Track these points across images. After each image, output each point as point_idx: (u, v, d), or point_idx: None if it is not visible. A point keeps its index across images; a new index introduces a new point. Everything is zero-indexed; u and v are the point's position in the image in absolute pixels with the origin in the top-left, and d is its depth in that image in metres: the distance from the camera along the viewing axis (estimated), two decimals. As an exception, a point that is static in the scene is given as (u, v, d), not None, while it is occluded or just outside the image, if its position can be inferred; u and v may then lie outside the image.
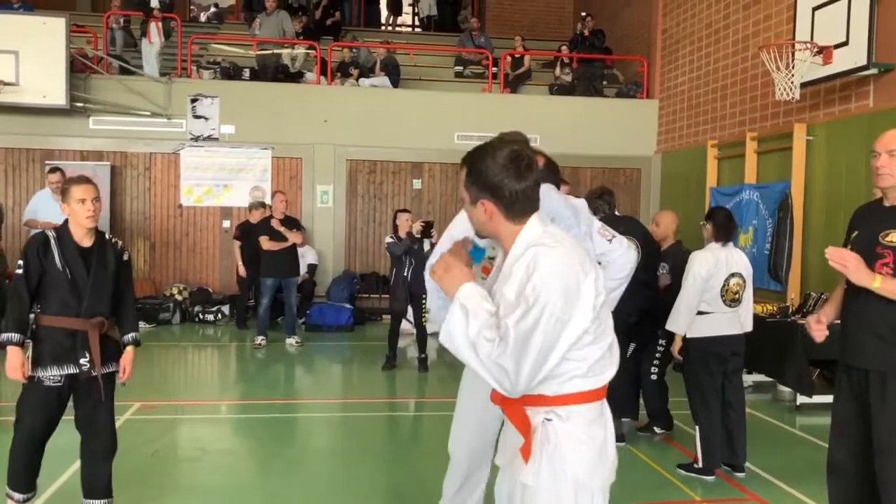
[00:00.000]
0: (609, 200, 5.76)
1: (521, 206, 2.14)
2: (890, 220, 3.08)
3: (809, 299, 7.35)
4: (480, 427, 3.39)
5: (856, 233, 3.25)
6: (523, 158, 2.15)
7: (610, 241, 3.50)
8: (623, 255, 3.52)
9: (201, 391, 7.63)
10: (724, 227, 4.98)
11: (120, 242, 4.01)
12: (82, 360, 3.74)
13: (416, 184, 12.24)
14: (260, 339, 9.21)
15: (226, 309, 11.24)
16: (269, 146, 11.78)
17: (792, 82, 7.95)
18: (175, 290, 11.38)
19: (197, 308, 11.22)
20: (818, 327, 3.30)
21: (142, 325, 10.60)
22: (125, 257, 3.98)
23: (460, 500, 3.55)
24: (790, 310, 7.32)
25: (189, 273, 11.76)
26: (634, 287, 5.30)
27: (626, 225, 5.50)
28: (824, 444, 5.68)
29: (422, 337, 8.26)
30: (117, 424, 5.70)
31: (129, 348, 3.96)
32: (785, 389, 7.17)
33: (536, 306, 1.97)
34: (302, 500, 4.37)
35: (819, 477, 4.88)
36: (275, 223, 9.12)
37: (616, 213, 5.87)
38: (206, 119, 11.63)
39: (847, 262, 3.01)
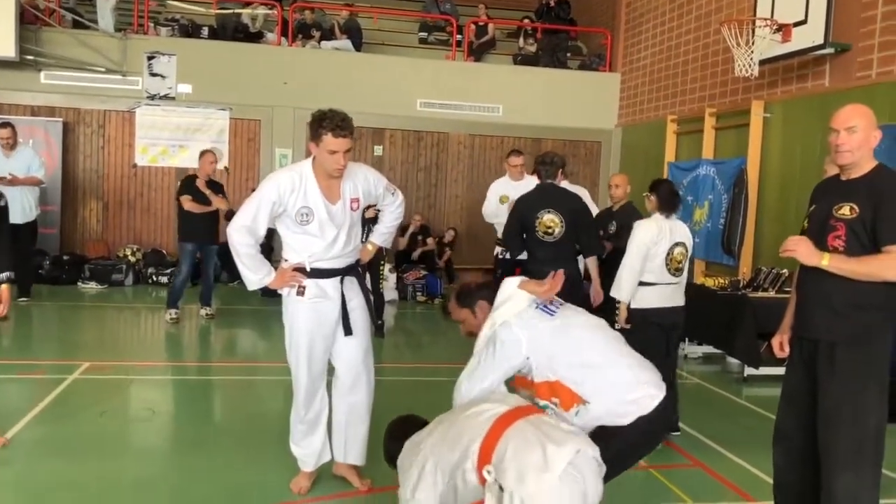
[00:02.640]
0: (548, 170, 5.70)
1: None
2: (843, 194, 3.13)
3: (760, 273, 7.50)
4: (313, 358, 3.90)
5: (813, 207, 3.31)
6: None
7: (393, 193, 4.09)
8: (394, 211, 4.15)
9: (153, 353, 7.55)
10: (668, 199, 5.08)
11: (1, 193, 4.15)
12: None
13: (378, 150, 12.15)
14: (173, 313, 8.41)
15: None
16: (226, 107, 11.57)
17: (751, 59, 8.02)
18: (128, 252, 11.19)
19: (150, 270, 11.05)
20: (781, 353, 3.47)
21: (94, 285, 10.50)
22: (2, 203, 4.13)
23: (314, 413, 3.98)
24: (741, 283, 7.46)
25: (143, 234, 11.56)
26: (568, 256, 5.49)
27: (556, 199, 5.58)
28: (769, 414, 5.87)
29: (379, 304, 8.26)
30: (64, 385, 5.69)
31: (4, 286, 4.12)
32: (733, 361, 7.33)
33: None
34: (252, 461, 4.37)
35: (762, 445, 5.02)
36: (200, 184, 8.40)
37: (553, 182, 5.73)
38: (162, 77, 11.36)
39: (796, 247, 3.10)
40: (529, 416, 2.58)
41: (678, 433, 5.14)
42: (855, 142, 3.08)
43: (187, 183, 8.48)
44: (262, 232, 3.73)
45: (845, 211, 3.08)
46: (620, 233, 5.96)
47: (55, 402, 5.32)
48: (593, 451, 2.52)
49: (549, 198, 5.64)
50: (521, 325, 2.99)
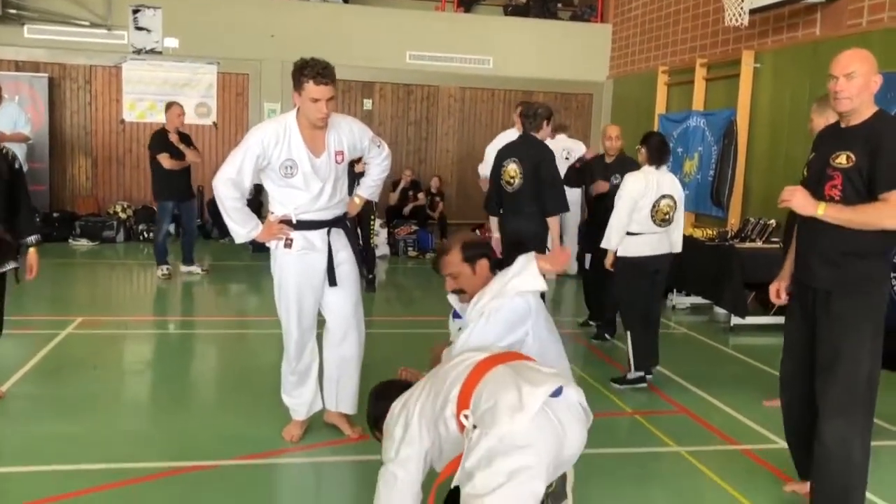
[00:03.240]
0: (531, 122, 5.52)
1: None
2: (842, 142, 3.11)
3: (748, 224, 7.55)
4: (302, 310, 3.93)
5: (812, 155, 3.31)
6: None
7: (378, 145, 4.09)
8: (380, 163, 4.14)
9: (145, 308, 7.59)
10: (658, 151, 5.22)
11: (11, 151, 4.12)
12: None
13: (367, 104, 12.06)
14: (165, 269, 8.41)
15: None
16: (214, 61, 11.44)
17: (742, 8, 7.96)
18: (119, 208, 11.16)
19: (141, 226, 11.04)
20: (777, 300, 3.51)
21: (85, 242, 10.49)
22: (17, 165, 4.09)
23: (304, 365, 4.04)
24: (729, 234, 7.51)
25: (133, 191, 11.51)
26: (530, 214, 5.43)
27: (522, 149, 5.49)
28: (755, 362, 5.99)
29: (370, 259, 8.30)
30: (57, 339, 5.74)
31: (32, 250, 4.15)
32: (721, 311, 7.42)
33: None
34: (244, 412, 4.44)
35: (747, 391, 5.15)
36: (174, 139, 8.27)
37: (535, 134, 5.54)
38: (148, 31, 11.20)
39: (792, 197, 3.09)
40: (510, 362, 2.57)
41: (651, 376, 5.29)
42: (854, 88, 3.03)
43: (161, 139, 8.29)
44: (248, 184, 3.74)
45: (842, 160, 3.06)
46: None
47: (48, 357, 5.37)
48: (578, 395, 2.51)
49: (517, 148, 5.56)
50: (533, 299, 3.01)
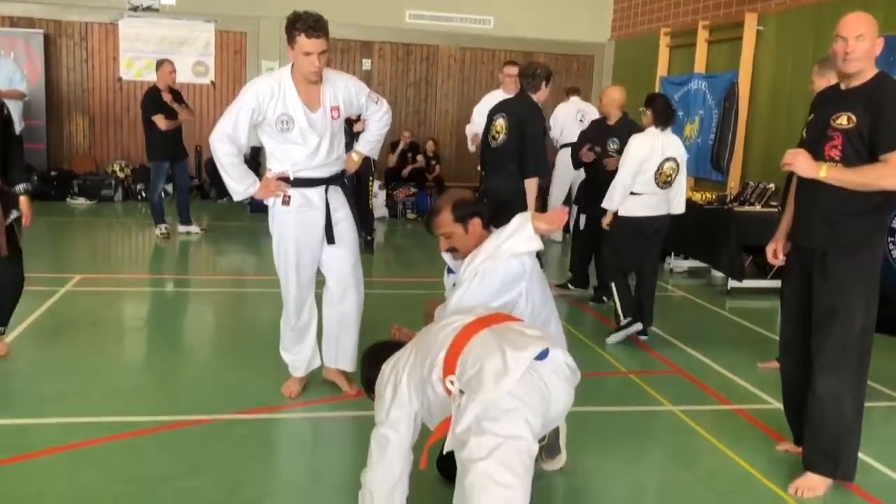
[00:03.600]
0: (530, 82, 5.39)
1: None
2: (842, 103, 3.12)
3: (747, 188, 7.54)
4: (300, 266, 3.95)
5: (812, 116, 3.31)
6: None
7: (376, 101, 4.03)
8: (379, 120, 4.09)
9: (144, 266, 7.61)
10: (663, 114, 5.23)
11: (1, 101, 4.06)
12: None
13: (366, 64, 11.96)
14: (163, 228, 8.39)
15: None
16: (211, 19, 11.31)
17: (746, -31, 7.86)
18: (117, 167, 11.12)
19: (139, 186, 11.02)
20: (774, 261, 3.53)
21: (83, 200, 10.48)
22: (5, 112, 4.03)
23: (303, 322, 4.07)
24: (728, 198, 7.51)
25: (130, 149, 11.45)
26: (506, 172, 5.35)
27: (511, 105, 5.45)
28: (750, 324, 6.03)
29: (368, 220, 8.30)
30: (57, 296, 5.76)
31: (24, 198, 4.11)
32: (718, 274, 7.45)
33: None
34: (244, 368, 4.47)
35: (741, 353, 5.19)
36: (167, 97, 8.20)
37: (532, 94, 5.41)
38: (145, -13, 11.06)
39: (794, 160, 3.10)
40: (495, 325, 2.54)
41: (646, 336, 5.37)
42: (862, 49, 3.04)
43: (154, 99, 8.20)
44: (244, 140, 3.73)
45: (843, 120, 3.08)
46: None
47: (48, 314, 5.40)
48: (564, 356, 2.51)
49: (509, 104, 5.52)
50: (528, 260, 3.00)
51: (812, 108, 3.37)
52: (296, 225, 3.86)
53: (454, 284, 3.17)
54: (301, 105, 3.70)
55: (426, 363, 2.52)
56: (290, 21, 3.59)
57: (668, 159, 5.17)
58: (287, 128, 3.69)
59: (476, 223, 3.12)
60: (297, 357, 4.12)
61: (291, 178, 3.80)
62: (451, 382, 2.40)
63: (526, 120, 5.26)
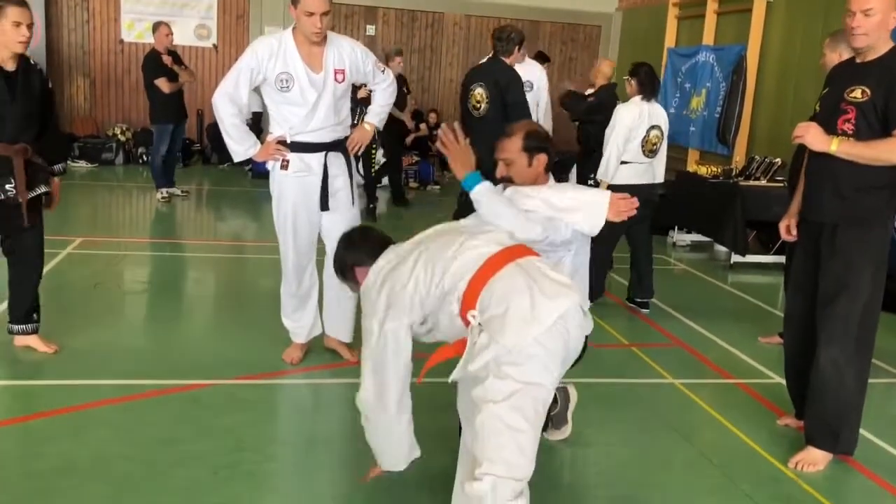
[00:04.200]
0: (503, 46, 5.28)
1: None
2: (856, 77, 3.09)
3: (753, 162, 7.50)
4: (298, 232, 3.94)
5: (826, 90, 3.28)
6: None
7: (383, 71, 4.02)
8: (386, 89, 4.06)
9: (145, 230, 7.59)
10: (648, 83, 5.26)
11: (43, 69, 3.86)
12: (7, 187, 3.66)
13: (370, 30, 11.82)
14: (166, 192, 8.40)
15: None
16: (215, -19, 11.17)
17: (759, -61, 7.74)
18: (118, 130, 11.05)
19: (140, 149, 10.96)
20: (788, 237, 3.50)
21: (84, 164, 10.42)
22: (49, 85, 3.86)
23: (305, 289, 4.07)
24: (733, 172, 7.46)
25: (132, 113, 11.37)
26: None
27: (489, 73, 5.33)
28: (753, 299, 6.02)
29: (371, 188, 8.26)
30: (58, 259, 5.74)
31: (56, 179, 3.94)
32: (721, 249, 7.43)
33: None
34: (245, 333, 4.47)
35: (743, 327, 5.19)
36: (167, 60, 8.20)
37: (504, 59, 5.32)
38: (147, -53, 10.89)
39: (806, 133, 3.08)
40: (520, 260, 2.39)
41: (647, 310, 5.40)
42: (871, 24, 3.00)
43: (155, 62, 8.18)
44: (245, 100, 3.74)
45: (857, 94, 3.05)
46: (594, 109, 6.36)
47: (49, 275, 5.35)
48: (582, 299, 2.41)
49: (484, 71, 5.37)
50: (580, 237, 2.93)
51: (826, 83, 3.34)
52: (294, 190, 3.85)
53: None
54: (303, 64, 3.68)
55: (442, 284, 2.37)
56: None
57: (653, 127, 5.22)
58: (286, 86, 3.67)
59: (542, 160, 2.95)
60: (298, 324, 4.11)
61: (289, 142, 3.78)
62: (473, 317, 2.29)
63: (506, 86, 5.17)
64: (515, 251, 2.43)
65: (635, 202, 2.89)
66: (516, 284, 2.29)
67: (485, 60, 5.62)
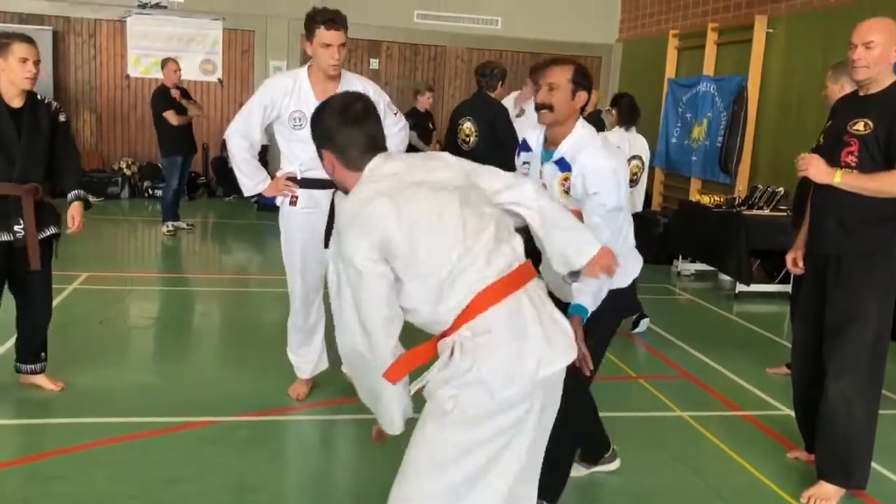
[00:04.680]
0: (487, 81, 5.55)
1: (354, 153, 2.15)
2: (859, 109, 3.12)
3: (756, 192, 7.51)
4: (306, 268, 3.94)
5: (829, 123, 3.31)
6: (354, 105, 2.19)
7: (395, 114, 4.07)
8: (397, 133, 4.04)
9: (151, 264, 7.60)
10: (627, 113, 5.39)
11: (54, 103, 3.83)
12: (16, 228, 3.61)
13: (374, 64, 11.94)
14: (171, 226, 8.43)
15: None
16: (219, 17, 11.30)
17: (757, -28, 7.83)
18: (123, 165, 11.12)
19: (146, 183, 11.02)
20: (795, 270, 3.55)
21: (90, 198, 10.44)
22: (62, 118, 3.81)
23: (311, 324, 4.06)
24: (736, 201, 7.48)
25: (137, 147, 11.45)
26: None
27: (477, 108, 5.51)
28: (758, 329, 6.00)
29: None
30: (64, 294, 5.75)
31: (76, 203, 3.79)
32: (725, 278, 7.42)
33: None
34: (250, 368, 4.46)
35: (750, 358, 5.17)
36: (175, 94, 8.36)
37: (489, 93, 5.57)
38: (153, -15, 11.05)
39: (808, 165, 3.10)
40: (531, 289, 2.11)
41: (640, 329, 5.52)
42: (872, 57, 3.03)
43: (163, 96, 8.32)
44: (257, 136, 3.78)
45: (859, 127, 3.08)
46: None
47: (56, 311, 5.28)
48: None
49: (471, 106, 5.60)
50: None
51: (830, 115, 3.37)
52: (302, 225, 3.87)
53: (525, 163, 3.02)
54: (316, 103, 3.69)
55: (461, 263, 2.02)
56: (309, 16, 3.65)
57: (634, 157, 5.26)
58: (299, 125, 3.71)
59: (583, 97, 2.86)
60: (304, 359, 4.11)
61: (299, 178, 3.80)
62: (465, 330, 2.01)
63: (494, 120, 5.40)
64: (525, 274, 2.12)
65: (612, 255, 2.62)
66: (518, 326, 2.03)
67: (471, 96, 5.79)
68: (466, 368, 1.98)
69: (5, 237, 3.62)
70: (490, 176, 2.32)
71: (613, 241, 2.69)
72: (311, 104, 3.69)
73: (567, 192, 2.80)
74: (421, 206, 2.04)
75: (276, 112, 3.73)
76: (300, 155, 3.77)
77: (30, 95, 3.66)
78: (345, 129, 2.14)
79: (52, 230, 3.81)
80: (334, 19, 3.61)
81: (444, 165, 2.21)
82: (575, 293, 2.63)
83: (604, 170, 2.75)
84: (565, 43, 12.16)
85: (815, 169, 3.10)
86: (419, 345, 2.11)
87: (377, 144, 2.18)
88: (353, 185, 2.14)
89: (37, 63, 3.58)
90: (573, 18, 12.03)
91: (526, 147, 3.04)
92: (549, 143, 2.91)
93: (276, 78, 3.85)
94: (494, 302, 2.02)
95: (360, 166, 2.15)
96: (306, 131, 3.70)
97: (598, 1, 12.20)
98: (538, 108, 2.86)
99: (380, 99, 3.91)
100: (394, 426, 2.21)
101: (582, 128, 2.86)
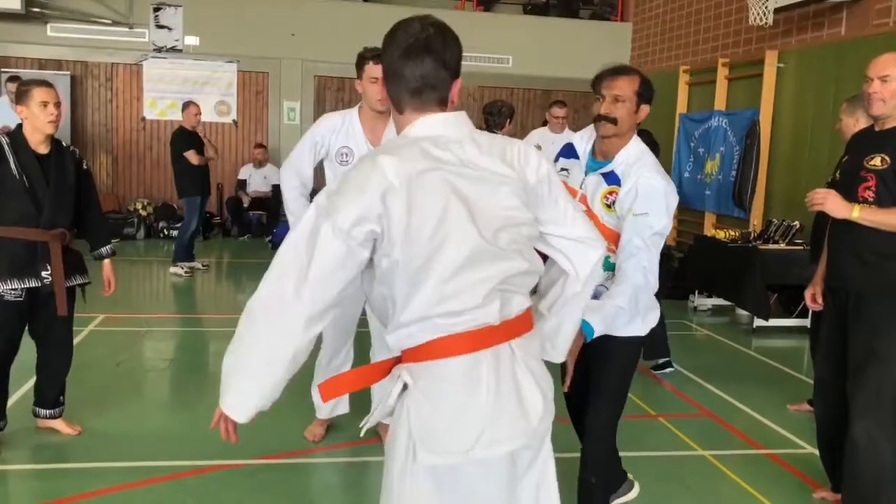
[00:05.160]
0: (494, 119, 5.64)
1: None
2: (876, 145, 3.11)
3: (771, 226, 7.48)
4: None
5: (846, 158, 3.31)
6: (419, 34, 1.79)
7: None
8: None
9: (166, 305, 7.62)
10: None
11: (77, 151, 3.88)
12: (44, 274, 3.62)
13: (386, 103, 12.05)
14: (187, 266, 8.54)
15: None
16: (234, 59, 11.48)
17: (766, 7, 7.89)
18: (139, 206, 11.22)
19: (162, 224, 11.11)
20: (814, 305, 3.54)
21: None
22: (84, 166, 3.86)
23: (334, 367, 3.99)
24: (752, 236, 7.44)
25: (153, 188, 11.57)
26: None
27: None
28: (778, 364, 5.93)
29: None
30: (81, 337, 5.76)
31: (107, 262, 3.93)
32: (743, 313, 7.35)
33: None
34: (266, 412, 4.43)
35: (771, 395, 5.10)
36: (200, 133, 8.60)
37: (497, 132, 5.67)
38: (169, 29, 11.26)
39: (825, 200, 3.08)
40: (518, 347, 1.76)
41: (671, 369, 5.45)
42: (888, 91, 3.03)
43: (184, 137, 8.42)
44: (309, 173, 3.84)
45: (876, 162, 3.07)
46: None
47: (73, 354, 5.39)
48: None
49: None
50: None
51: (846, 150, 3.36)
52: None
53: (563, 170, 2.88)
54: (364, 140, 3.76)
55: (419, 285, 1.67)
56: (360, 55, 3.73)
57: None
58: (346, 160, 3.74)
59: (645, 110, 2.76)
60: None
61: None
62: (406, 371, 1.73)
63: None
64: (509, 331, 1.75)
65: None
66: (474, 387, 1.70)
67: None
68: (399, 412, 1.76)
69: (33, 283, 3.62)
70: (555, 203, 1.87)
71: (654, 266, 2.63)
72: (359, 140, 3.74)
73: (610, 206, 2.70)
74: (430, 220, 1.66)
75: (325, 149, 3.79)
76: None
77: (55, 142, 3.71)
78: (395, 59, 1.77)
79: (78, 279, 3.84)
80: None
81: (504, 180, 1.75)
82: (586, 310, 2.33)
83: (657, 191, 2.64)
84: (576, 80, 12.24)
85: (833, 204, 3.08)
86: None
87: (429, 92, 1.77)
88: (401, 130, 1.81)
89: (58, 105, 3.63)
90: (583, 55, 12.12)
91: (571, 153, 2.90)
92: (598, 154, 2.81)
93: (327, 116, 3.91)
94: (453, 353, 1.69)
95: (402, 110, 1.79)
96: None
97: (608, 38, 12.31)
98: (599, 119, 2.73)
99: None
100: (237, 410, 1.95)
101: (637, 143, 2.77)
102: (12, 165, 3.54)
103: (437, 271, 1.66)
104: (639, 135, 5.08)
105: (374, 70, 3.64)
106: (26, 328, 3.82)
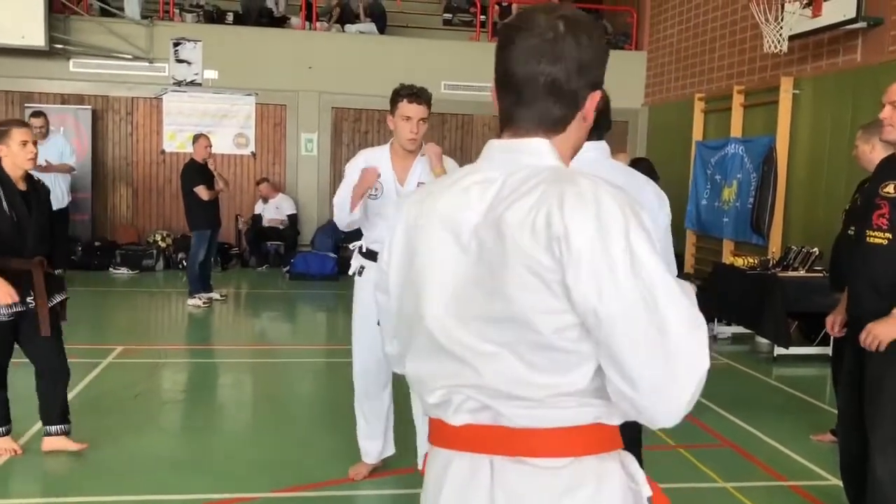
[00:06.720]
0: None
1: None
2: (892, 172, 3.10)
3: (790, 252, 7.42)
4: (372, 351, 3.70)
5: (868, 184, 3.30)
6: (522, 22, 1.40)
7: None
8: None
9: (185, 336, 7.66)
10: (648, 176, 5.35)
11: (45, 184, 4.21)
12: (28, 299, 3.87)
13: (402, 133, 12.13)
14: (206, 297, 8.54)
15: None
16: (252, 92, 11.62)
17: (780, 34, 7.90)
18: (158, 237, 11.32)
19: (181, 255, 11.17)
20: (834, 333, 3.54)
21: (126, 271, 10.65)
22: (42, 196, 4.16)
23: (378, 413, 3.86)
24: (770, 263, 7.39)
25: (172, 220, 11.67)
26: None
27: None
28: (799, 393, 5.85)
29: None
30: (100, 368, 5.80)
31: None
32: (763, 341, 7.28)
33: None
34: (287, 444, 4.43)
35: (792, 424, 5.03)
36: (212, 166, 8.61)
37: None
38: (188, 63, 11.43)
39: (875, 338, 3.01)
40: (511, 463, 1.35)
41: None
42: None
43: (194, 171, 8.47)
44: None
45: (890, 189, 3.05)
46: None
47: (91, 386, 5.43)
48: None
49: None
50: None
51: (871, 177, 3.35)
52: (367, 301, 3.67)
53: None
54: (393, 176, 3.75)
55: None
56: (394, 91, 3.74)
57: None
58: (374, 195, 3.72)
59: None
60: (367, 446, 3.94)
61: (364, 250, 3.81)
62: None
63: None
64: (513, 443, 1.35)
65: None
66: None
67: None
68: None
69: (20, 307, 3.87)
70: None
71: None
72: (388, 176, 3.73)
73: None
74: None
75: None
76: (377, 224, 3.73)
77: (29, 177, 3.98)
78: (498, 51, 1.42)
79: (58, 297, 4.08)
80: (418, 94, 3.66)
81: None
82: None
83: None
84: (591, 108, 12.30)
85: (882, 333, 2.99)
86: None
87: (515, 104, 1.39)
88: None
89: (34, 143, 3.93)
90: (598, 84, 12.18)
91: None
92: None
93: (365, 151, 3.93)
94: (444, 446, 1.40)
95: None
96: (380, 202, 3.73)
97: (623, 66, 12.33)
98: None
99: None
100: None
101: None
102: (4, 203, 3.81)
103: None
104: (638, 163, 5.04)
105: (407, 109, 3.62)
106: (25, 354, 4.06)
